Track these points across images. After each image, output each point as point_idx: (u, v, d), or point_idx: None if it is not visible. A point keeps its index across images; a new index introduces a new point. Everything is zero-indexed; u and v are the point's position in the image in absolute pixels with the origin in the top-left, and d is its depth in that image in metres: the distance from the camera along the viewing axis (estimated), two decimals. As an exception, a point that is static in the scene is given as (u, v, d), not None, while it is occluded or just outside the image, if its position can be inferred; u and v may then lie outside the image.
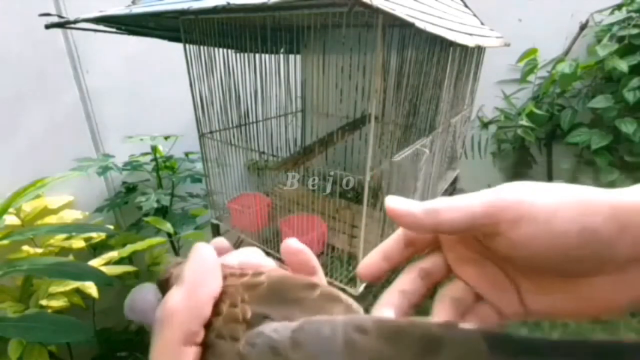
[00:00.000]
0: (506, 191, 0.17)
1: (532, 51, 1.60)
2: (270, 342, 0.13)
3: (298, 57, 0.97)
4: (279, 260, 0.22)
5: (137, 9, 0.57)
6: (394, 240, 0.21)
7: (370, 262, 0.21)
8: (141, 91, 1.08)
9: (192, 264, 0.15)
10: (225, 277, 0.16)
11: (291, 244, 0.20)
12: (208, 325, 0.14)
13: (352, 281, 0.76)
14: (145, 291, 0.18)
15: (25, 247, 0.84)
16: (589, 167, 1.58)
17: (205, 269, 0.15)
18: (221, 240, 0.20)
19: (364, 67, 0.77)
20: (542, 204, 0.16)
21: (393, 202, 0.19)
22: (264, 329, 0.14)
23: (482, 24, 1.08)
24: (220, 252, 0.19)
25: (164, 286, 0.17)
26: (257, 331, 0.14)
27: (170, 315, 0.14)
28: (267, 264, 0.19)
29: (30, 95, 0.88)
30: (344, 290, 0.70)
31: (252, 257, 0.19)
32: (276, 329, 0.13)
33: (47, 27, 0.63)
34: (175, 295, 0.14)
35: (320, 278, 0.21)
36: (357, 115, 0.95)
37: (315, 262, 0.21)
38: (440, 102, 0.85)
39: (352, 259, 0.80)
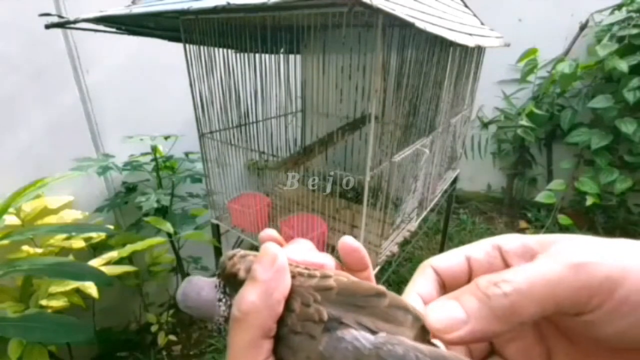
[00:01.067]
0: (598, 261, 0.14)
1: (532, 51, 1.60)
2: (354, 351, 0.14)
3: (298, 57, 0.97)
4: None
5: (137, 9, 0.57)
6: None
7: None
8: (141, 91, 1.08)
9: (265, 263, 0.16)
10: (293, 276, 0.16)
11: (348, 242, 0.20)
12: (279, 320, 0.15)
13: (352, 281, 0.76)
14: (202, 284, 0.18)
15: (25, 247, 0.84)
16: (589, 167, 1.58)
17: (277, 269, 0.16)
18: (272, 233, 0.20)
19: (364, 67, 0.77)
20: None
21: (436, 316, 0.16)
22: (344, 335, 0.14)
23: (482, 24, 1.08)
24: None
25: (232, 280, 0.17)
26: (338, 336, 0.14)
27: (248, 314, 0.15)
28: (326, 261, 0.20)
29: (31, 95, 0.88)
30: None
31: (310, 253, 0.20)
32: (357, 337, 0.14)
33: (47, 27, 0.63)
34: (250, 293, 0.15)
35: (370, 273, 0.22)
36: (357, 115, 0.95)
37: (367, 259, 0.21)
38: (440, 102, 0.85)
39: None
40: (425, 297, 0.19)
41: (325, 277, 0.16)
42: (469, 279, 0.19)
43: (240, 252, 0.19)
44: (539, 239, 0.17)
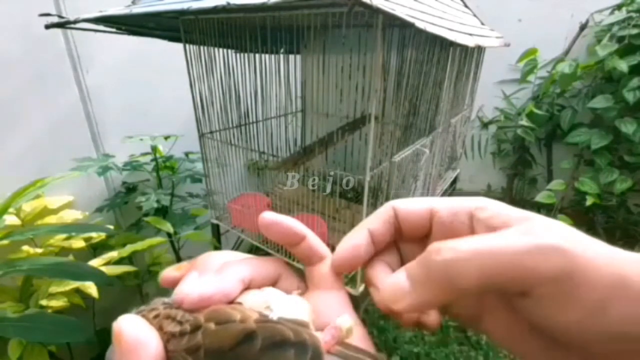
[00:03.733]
0: (560, 246, 0.13)
1: (532, 51, 1.60)
2: None
3: (298, 57, 0.97)
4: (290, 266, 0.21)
5: (137, 9, 0.57)
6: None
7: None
8: (141, 91, 1.08)
9: (115, 344, 0.14)
10: (168, 340, 0.14)
11: (265, 217, 0.20)
12: None
13: (352, 281, 0.76)
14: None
15: (25, 247, 0.84)
16: (589, 167, 1.58)
17: (127, 348, 0.14)
18: (168, 274, 0.19)
19: (364, 67, 0.77)
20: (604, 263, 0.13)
21: (383, 286, 0.17)
22: None
23: (482, 24, 1.08)
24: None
25: None
26: None
27: None
28: (221, 287, 0.17)
29: (30, 95, 0.88)
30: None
31: (201, 284, 0.17)
32: None
33: (47, 27, 0.63)
34: None
35: (310, 242, 0.20)
36: (357, 115, 0.95)
37: (299, 228, 0.20)
38: (440, 102, 0.85)
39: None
40: (376, 236, 0.19)
41: (194, 329, 0.14)
42: (426, 234, 0.19)
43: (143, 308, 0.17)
44: (518, 214, 0.15)
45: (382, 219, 0.19)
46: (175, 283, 0.18)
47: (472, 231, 0.17)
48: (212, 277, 0.17)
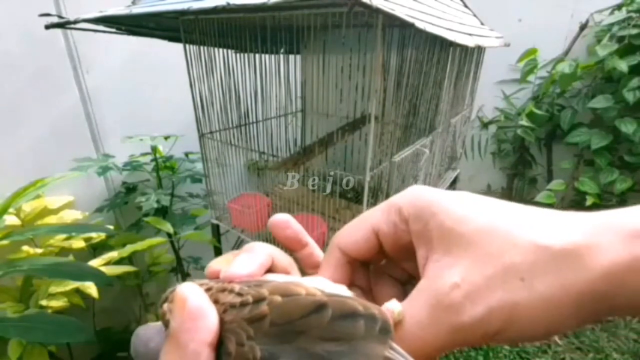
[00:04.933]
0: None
1: (532, 51, 1.60)
2: None
3: (298, 57, 0.97)
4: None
5: (137, 9, 0.57)
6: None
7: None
8: (141, 91, 1.08)
9: (175, 311, 0.14)
10: (225, 310, 0.14)
11: (277, 217, 0.20)
12: None
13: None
14: (149, 335, 0.17)
15: (25, 247, 0.84)
16: (589, 167, 1.58)
17: (189, 316, 0.14)
18: (214, 265, 0.19)
19: (364, 67, 0.77)
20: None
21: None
22: None
23: (482, 24, 1.08)
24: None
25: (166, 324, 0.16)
26: None
27: None
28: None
29: (31, 96, 0.88)
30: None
31: (253, 265, 0.18)
32: None
33: (47, 27, 0.63)
34: (165, 352, 0.14)
35: (313, 249, 0.21)
36: (357, 115, 0.95)
37: (304, 235, 0.20)
38: (440, 102, 0.85)
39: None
40: (337, 281, 0.19)
41: (258, 301, 0.14)
42: (379, 250, 0.19)
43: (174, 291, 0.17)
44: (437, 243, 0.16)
45: (333, 264, 0.19)
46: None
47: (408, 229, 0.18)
48: (250, 256, 0.18)
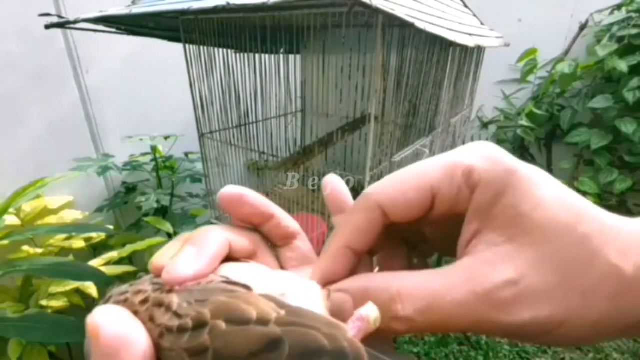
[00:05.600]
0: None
1: (532, 51, 1.60)
2: None
3: (298, 57, 0.97)
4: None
5: (137, 9, 0.57)
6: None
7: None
8: (141, 91, 1.08)
9: (91, 342, 0.11)
10: (161, 335, 0.12)
11: (227, 193, 0.17)
12: None
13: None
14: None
15: (25, 247, 0.84)
16: (589, 167, 1.58)
17: (106, 349, 0.11)
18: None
19: (364, 67, 0.77)
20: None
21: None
22: None
23: (482, 24, 1.08)
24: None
25: None
26: None
27: None
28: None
29: (30, 95, 0.88)
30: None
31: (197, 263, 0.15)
32: None
33: (47, 27, 0.63)
34: None
35: (280, 220, 0.18)
36: (357, 115, 0.95)
37: (267, 206, 0.17)
38: (440, 102, 0.85)
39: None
40: (358, 249, 0.16)
41: (198, 326, 0.12)
42: (426, 212, 0.15)
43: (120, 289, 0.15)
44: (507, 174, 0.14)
45: (363, 227, 0.16)
46: None
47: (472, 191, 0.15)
48: (198, 251, 0.15)
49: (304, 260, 0.19)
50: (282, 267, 0.19)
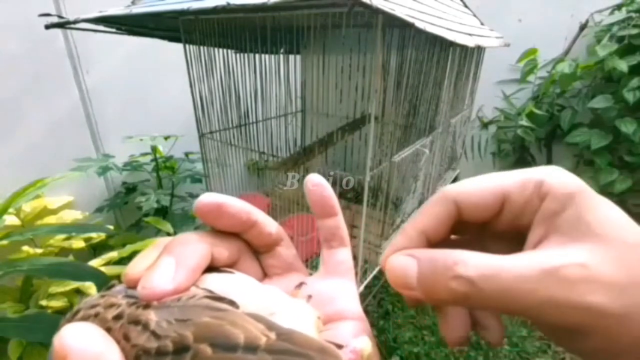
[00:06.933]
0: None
1: (532, 51, 1.60)
2: None
3: (298, 57, 0.97)
4: None
5: (137, 9, 0.57)
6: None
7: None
8: (141, 91, 1.08)
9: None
10: (138, 357, 0.11)
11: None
12: None
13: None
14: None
15: (25, 248, 0.84)
16: (589, 167, 1.58)
17: None
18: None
19: (363, 67, 0.77)
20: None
21: (392, 268, 0.16)
22: None
23: (482, 24, 1.08)
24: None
25: None
26: None
27: None
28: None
29: (30, 95, 0.88)
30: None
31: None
32: None
33: (47, 27, 0.63)
34: None
35: (263, 228, 0.17)
36: (357, 116, 0.95)
37: (249, 213, 0.17)
38: (440, 102, 0.85)
39: (352, 259, 0.79)
40: (431, 237, 0.17)
41: (180, 350, 0.11)
42: (494, 217, 0.17)
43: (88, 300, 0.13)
44: (596, 228, 0.14)
45: (439, 216, 0.17)
46: None
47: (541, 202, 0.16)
48: (177, 261, 0.14)
49: (288, 268, 0.19)
50: (265, 275, 0.19)
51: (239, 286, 0.15)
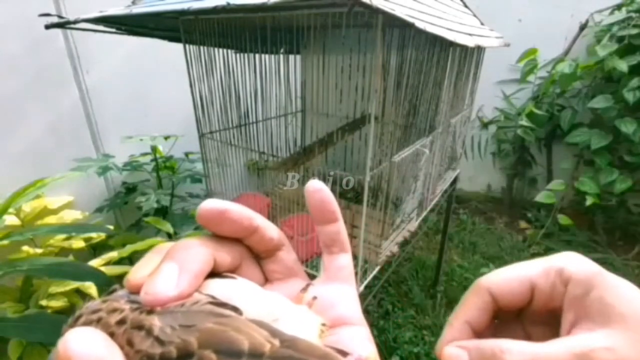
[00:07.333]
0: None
1: (532, 51, 1.60)
2: None
3: (298, 57, 0.97)
4: None
5: (137, 9, 0.57)
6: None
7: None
8: (141, 91, 1.08)
9: None
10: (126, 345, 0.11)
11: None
12: None
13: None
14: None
15: (25, 247, 0.84)
16: (589, 167, 1.58)
17: None
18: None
19: (363, 67, 0.77)
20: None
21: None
22: None
23: (482, 24, 1.08)
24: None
25: None
26: None
27: None
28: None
29: (31, 95, 0.88)
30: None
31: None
32: None
33: (47, 27, 0.63)
34: None
35: (264, 234, 0.18)
36: (357, 115, 0.95)
37: (251, 219, 0.17)
38: (440, 102, 0.85)
39: (352, 260, 0.79)
40: (475, 326, 0.19)
41: (184, 356, 0.11)
42: (527, 303, 0.19)
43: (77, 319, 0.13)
44: (621, 310, 0.16)
45: (478, 306, 0.19)
46: None
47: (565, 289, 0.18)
48: (180, 267, 0.14)
49: (289, 273, 0.19)
50: (266, 280, 0.19)
51: (241, 292, 0.15)
